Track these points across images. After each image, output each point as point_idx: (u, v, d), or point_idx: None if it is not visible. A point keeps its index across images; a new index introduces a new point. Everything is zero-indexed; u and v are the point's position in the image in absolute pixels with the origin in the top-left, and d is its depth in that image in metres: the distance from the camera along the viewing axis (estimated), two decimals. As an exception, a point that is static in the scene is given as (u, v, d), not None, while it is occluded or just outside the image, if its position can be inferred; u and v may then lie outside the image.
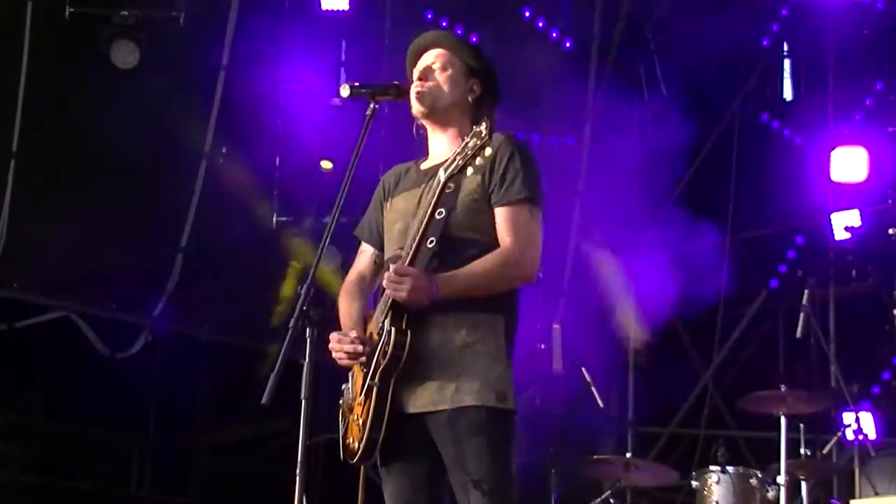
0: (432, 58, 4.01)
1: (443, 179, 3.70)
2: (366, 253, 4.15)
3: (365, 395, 3.77)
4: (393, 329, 3.72)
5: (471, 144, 3.61)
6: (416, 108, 4.00)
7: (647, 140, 10.68)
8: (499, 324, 3.82)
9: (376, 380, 3.73)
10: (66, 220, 8.40)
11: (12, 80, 8.35)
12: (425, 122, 4.05)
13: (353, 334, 3.86)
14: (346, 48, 9.44)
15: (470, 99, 3.99)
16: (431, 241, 3.76)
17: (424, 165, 4.05)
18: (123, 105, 8.51)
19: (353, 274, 4.13)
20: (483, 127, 3.60)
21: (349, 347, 3.83)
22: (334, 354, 3.87)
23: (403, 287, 3.69)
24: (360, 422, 3.78)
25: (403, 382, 3.75)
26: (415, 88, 3.98)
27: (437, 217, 3.75)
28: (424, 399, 3.76)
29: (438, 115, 3.99)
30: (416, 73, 4.02)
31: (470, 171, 3.68)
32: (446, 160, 3.76)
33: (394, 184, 4.09)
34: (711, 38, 10.09)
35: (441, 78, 3.98)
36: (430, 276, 3.74)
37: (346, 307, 4.03)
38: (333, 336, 3.88)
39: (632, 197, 10.59)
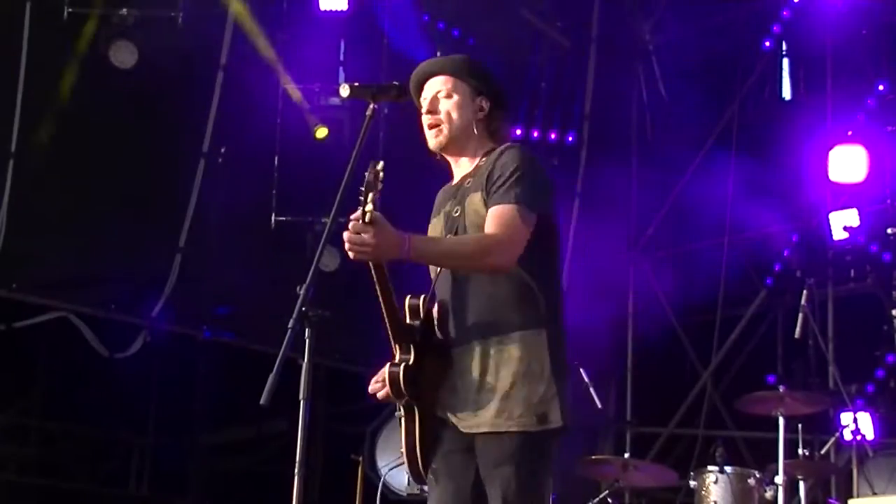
0: (438, 85, 3.95)
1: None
2: None
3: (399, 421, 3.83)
4: (388, 365, 3.74)
5: None
6: (432, 143, 3.96)
7: (645, 139, 10.69)
8: (541, 338, 3.75)
9: (401, 412, 3.78)
10: (65, 221, 8.41)
11: (12, 80, 8.35)
12: (443, 154, 4.01)
13: (379, 376, 3.82)
14: (345, 48, 9.44)
15: (480, 117, 3.94)
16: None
17: (452, 185, 4.03)
18: (123, 105, 8.51)
19: None
20: None
21: (376, 387, 3.84)
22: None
23: (367, 245, 3.56)
24: (405, 447, 3.81)
25: (452, 405, 3.77)
26: (426, 121, 3.95)
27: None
28: (470, 421, 3.74)
29: (454, 145, 3.96)
30: (423, 104, 3.97)
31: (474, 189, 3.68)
32: (467, 178, 3.86)
33: (435, 206, 4.08)
34: (711, 39, 10.09)
35: (449, 106, 3.93)
36: (402, 233, 3.63)
37: None
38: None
39: (630, 196, 10.61)
